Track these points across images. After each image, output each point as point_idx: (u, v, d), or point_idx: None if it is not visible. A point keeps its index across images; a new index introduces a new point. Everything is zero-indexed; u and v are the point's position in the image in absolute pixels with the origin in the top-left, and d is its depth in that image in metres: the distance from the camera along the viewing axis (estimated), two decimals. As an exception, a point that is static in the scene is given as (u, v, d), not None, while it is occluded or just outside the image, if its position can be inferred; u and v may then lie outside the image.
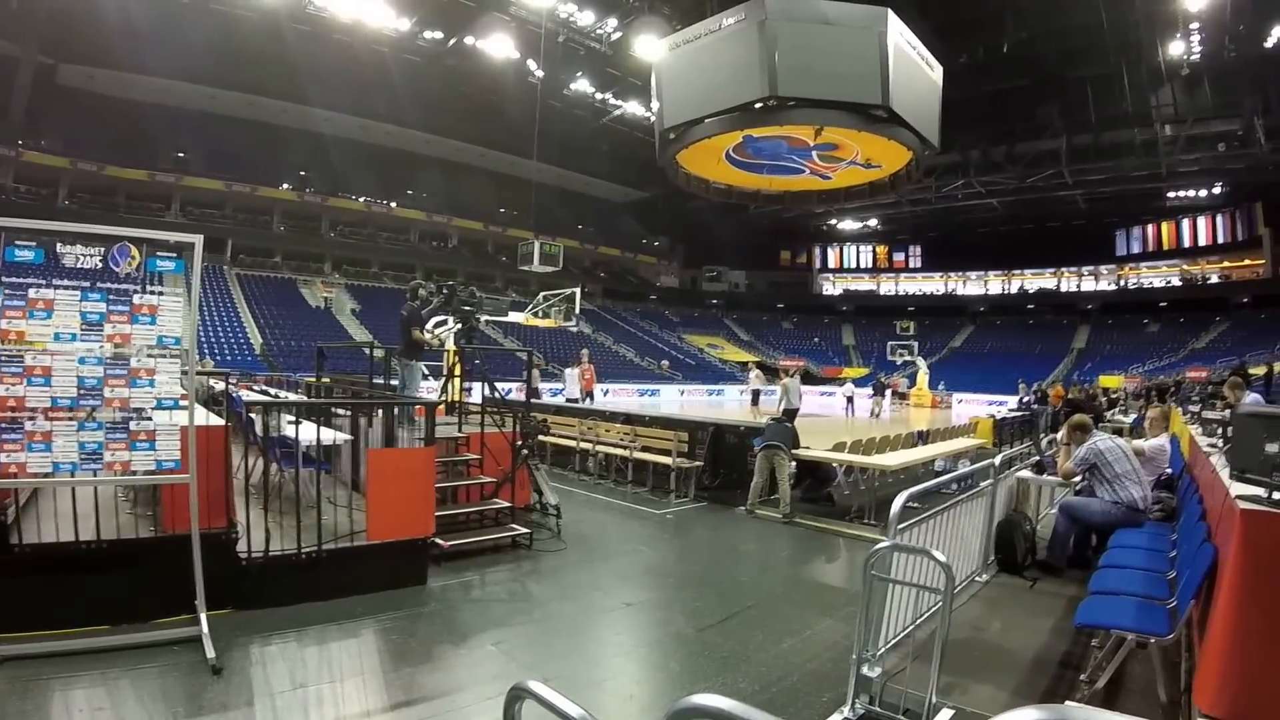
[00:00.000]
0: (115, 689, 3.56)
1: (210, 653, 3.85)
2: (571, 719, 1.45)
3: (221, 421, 4.94)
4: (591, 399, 17.72)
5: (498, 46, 28.79)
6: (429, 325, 8.95)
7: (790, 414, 13.01)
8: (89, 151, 30.69)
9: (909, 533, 4.14)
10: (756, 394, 25.50)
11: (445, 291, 8.42)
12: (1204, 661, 2.76)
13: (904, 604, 4.14)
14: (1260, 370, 20.85)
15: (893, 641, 3.97)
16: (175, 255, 4.08)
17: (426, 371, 8.94)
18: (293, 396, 9.59)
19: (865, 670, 3.57)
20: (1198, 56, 25.96)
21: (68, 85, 29.92)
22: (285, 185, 37.50)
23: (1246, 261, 39.45)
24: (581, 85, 33.14)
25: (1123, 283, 45.37)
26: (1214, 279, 41.01)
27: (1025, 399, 27.49)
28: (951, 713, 3.49)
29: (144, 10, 25.40)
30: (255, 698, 3.60)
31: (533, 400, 9.61)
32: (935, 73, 13.76)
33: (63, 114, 29.99)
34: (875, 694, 3.59)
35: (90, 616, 4.10)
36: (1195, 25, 24.14)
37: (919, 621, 4.34)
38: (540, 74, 27.31)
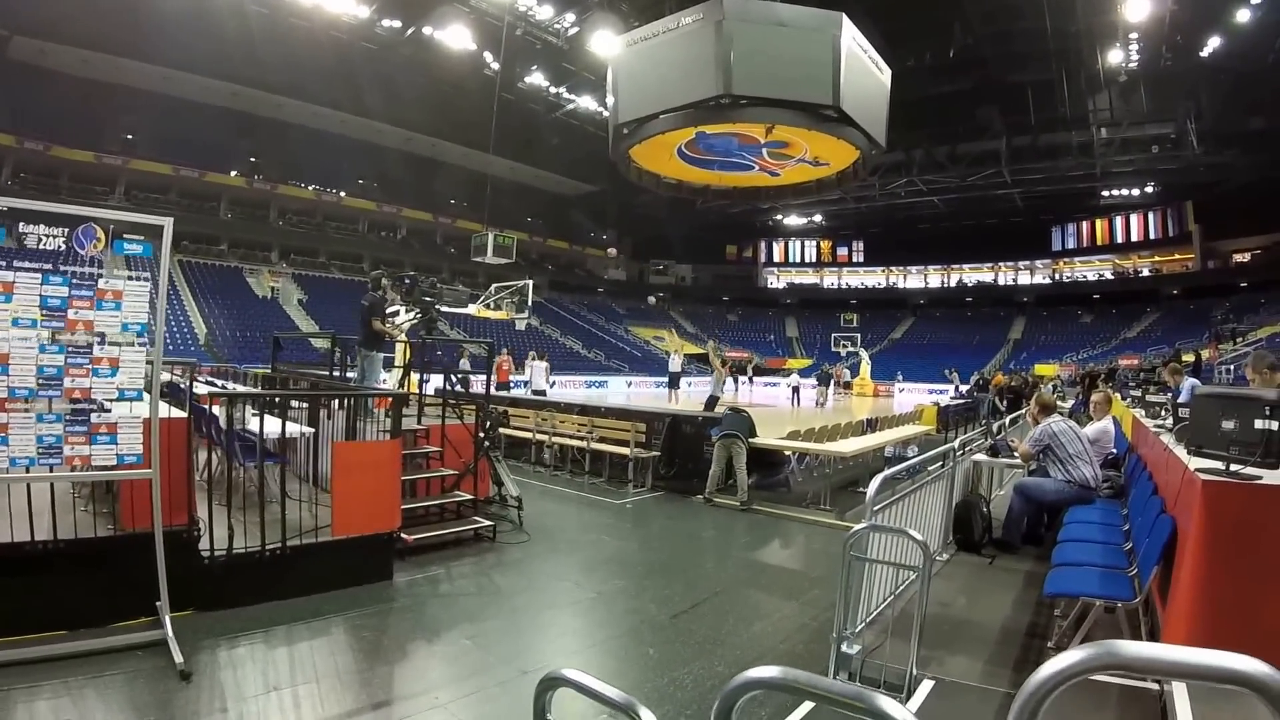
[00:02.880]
0: (81, 698, 3.39)
1: (178, 657, 3.69)
2: (615, 704, 1.40)
3: (181, 414, 4.74)
4: (507, 389, 17.69)
5: (455, 37, 28.36)
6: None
7: (712, 402, 13.30)
8: (37, 129, 29.13)
9: (880, 515, 4.24)
10: (675, 377, 25.43)
11: (407, 282, 8.27)
12: (1170, 621, 2.93)
13: (878, 583, 4.26)
14: (1190, 357, 22.04)
15: (868, 619, 4.07)
16: (143, 238, 3.88)
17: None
18: (244, 388, 9.28)
19: (845, 648, 3.65)
20: (1135, 64, 26.89)
21: (18, 59, 28.11)
22: (234, 171, 36.13)
23: (1176, 256, 41.52)
24: (536, 79, 32.79)
25: (1057, 276, 47.11)
26: (1145, 272, 42.92)
27: (961, 387, 28.42)
28: (932, 683, 3.60)
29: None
30: (229, 703, 3.47)
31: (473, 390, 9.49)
32: (884, 75, 14.06)
33: (11, 89, 28.25)
34: (855, 670, 3.68)
35: (47, 621, 3.88)
36: (1134, 35, 24.98)
37: (889, 599, 4.46)
38: (496, 66, 26.93)
